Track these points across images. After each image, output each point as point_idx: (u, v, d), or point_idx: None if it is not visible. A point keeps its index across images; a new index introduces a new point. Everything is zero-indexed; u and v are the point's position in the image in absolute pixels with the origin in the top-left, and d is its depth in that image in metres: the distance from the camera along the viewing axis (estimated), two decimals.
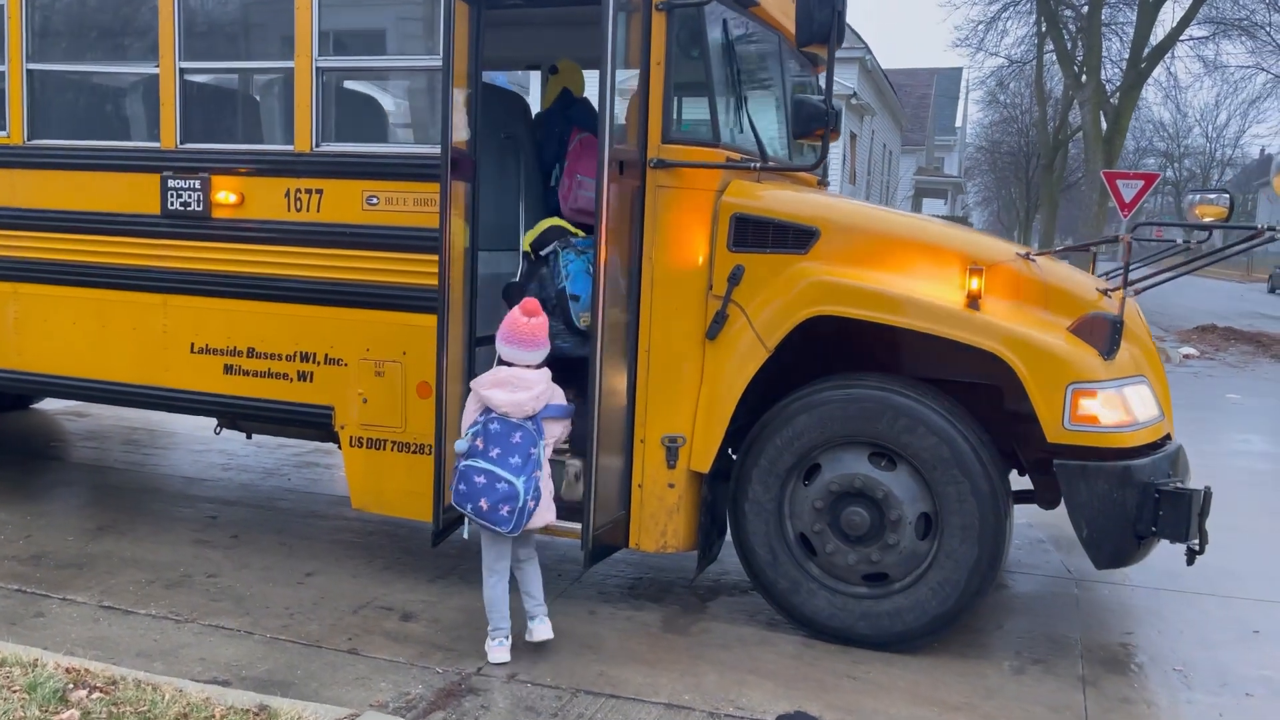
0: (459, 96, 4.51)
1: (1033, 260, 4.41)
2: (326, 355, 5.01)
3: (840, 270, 4.34)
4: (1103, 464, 4.07)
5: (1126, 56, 25.61)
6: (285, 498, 6.53)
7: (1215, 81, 48.29)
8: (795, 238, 4.41)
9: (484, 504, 3.97)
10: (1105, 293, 4.46)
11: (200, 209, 5.13)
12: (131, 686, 3.58)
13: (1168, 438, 4.46)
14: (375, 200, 4.82)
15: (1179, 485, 4.17)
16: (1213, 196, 4.76)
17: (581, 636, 4.46)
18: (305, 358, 5.06)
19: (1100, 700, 4.02)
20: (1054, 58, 32.09)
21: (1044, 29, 29.94)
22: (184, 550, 5.39)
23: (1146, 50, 23.47)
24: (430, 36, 4.83)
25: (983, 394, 4.51)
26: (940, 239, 4.52)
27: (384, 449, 4.96)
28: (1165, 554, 4.60)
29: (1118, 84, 25.81)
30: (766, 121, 5.25)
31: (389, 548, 5.53)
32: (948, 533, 4.21)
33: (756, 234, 4.44)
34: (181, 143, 5.17)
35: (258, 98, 5.42)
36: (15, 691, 3.49)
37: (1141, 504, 4.07)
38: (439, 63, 4.62)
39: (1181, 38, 25.14)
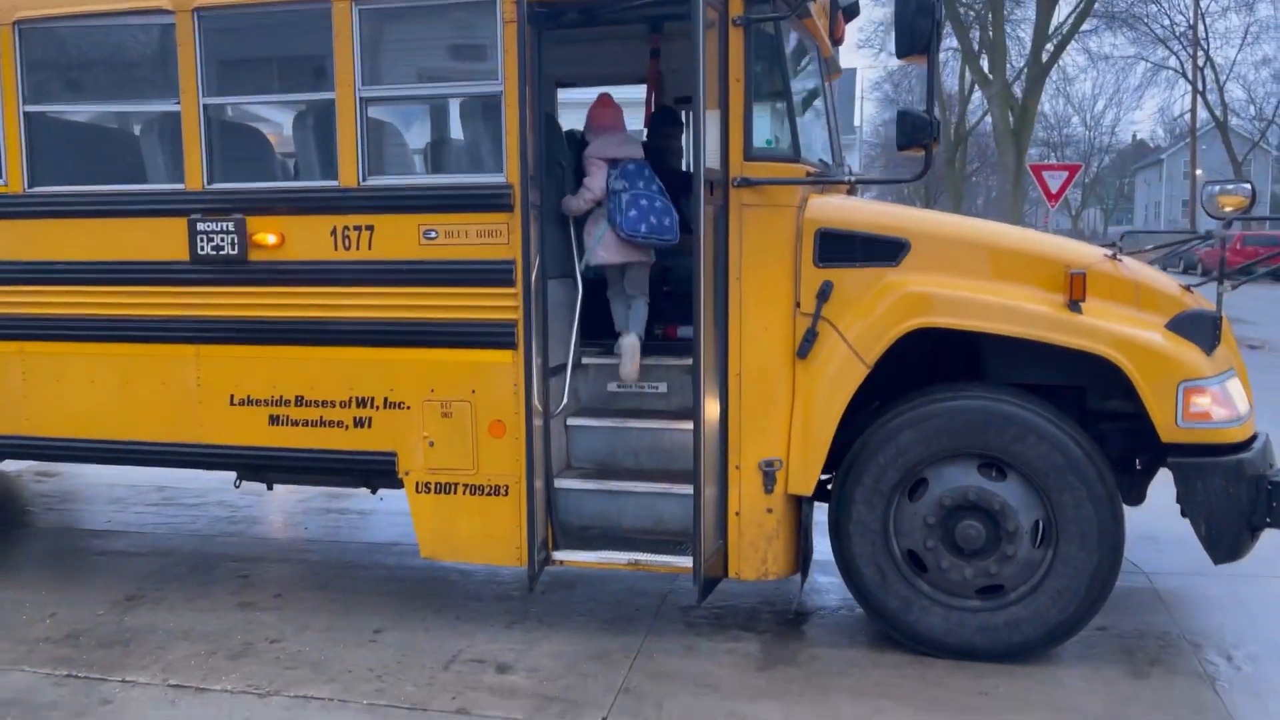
0: (529, 123, 4.31)
1: (1120, 260, 4.42)
2: (386, 399, 4.74)
3: (935, 280, 4.27)
4: (1218, 460, 4.08)
5: (1025, 53, 26.45)
6: (311, 549, 6.19)
7: (1100, 72, 50.32)
8: (884, 250, 4.33)
9: (654, 219, 4.73)
10: (1188, 289, 4.50)
11: (235, 252, 4.79)
12: None
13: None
14: (434, 234, 4.57)
15: None
16: (1231, 187, 4.84)
17: (692, 675, 4.29)
18: (362, 403, 4.77)
19: (1236, 697, 4.02)
20: (951, 55, 33.03)
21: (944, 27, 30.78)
22: (230, 616, 5.04)
23: (1048, 44, 24.29)
24: (480, 59, 4.61)
25: (1061, 395, 4.49)
26: (1029, 244, 4.49)
27: (455, 493, 4.71)
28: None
29: (1012, 79, 26.63)
30: (818, 132, 5.19)
31: (450, 595, 5.26)
32: (1065, 540, 4.17)
33: (843, 248, 4.35)
34: (210, 183, 4.83)
35: (291, 131, 5.10)
36: None
37: (1255, 497, 4.10)
38: (494, 88, 4.43)
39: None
